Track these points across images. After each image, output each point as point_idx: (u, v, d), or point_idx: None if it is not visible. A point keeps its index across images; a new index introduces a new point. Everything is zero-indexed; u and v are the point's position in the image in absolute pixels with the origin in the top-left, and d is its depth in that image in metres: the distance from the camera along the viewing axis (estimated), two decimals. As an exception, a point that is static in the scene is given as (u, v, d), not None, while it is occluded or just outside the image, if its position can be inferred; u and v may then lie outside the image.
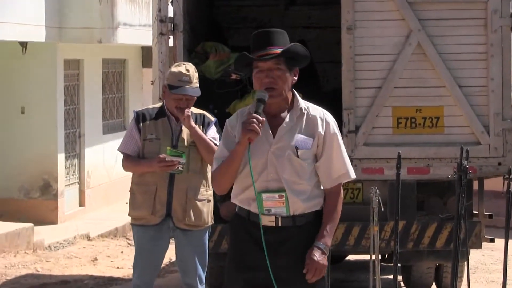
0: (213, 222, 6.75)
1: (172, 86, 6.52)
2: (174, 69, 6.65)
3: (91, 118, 17.72)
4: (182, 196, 6.52)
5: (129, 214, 6.73)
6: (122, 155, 6.72)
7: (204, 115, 6.73)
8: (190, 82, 6.53)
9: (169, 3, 8.44)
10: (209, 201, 6.67)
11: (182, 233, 6.57)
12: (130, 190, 6.72)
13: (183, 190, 6.53)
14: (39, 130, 15.93)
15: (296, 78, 4.55)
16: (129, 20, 16.86)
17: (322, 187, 4.57)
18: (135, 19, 17.06)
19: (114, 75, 19.04)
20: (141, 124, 6.62)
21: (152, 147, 6.55)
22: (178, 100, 6.54)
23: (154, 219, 6.55)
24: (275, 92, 4.44)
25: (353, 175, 4.60)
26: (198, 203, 6.56)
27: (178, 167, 6.38)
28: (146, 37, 14.09)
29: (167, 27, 8.29)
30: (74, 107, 17.16)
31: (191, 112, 6.59)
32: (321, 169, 4.53)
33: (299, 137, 4.49)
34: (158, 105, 6.78)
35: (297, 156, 4.46)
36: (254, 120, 4.32)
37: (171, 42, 8.40)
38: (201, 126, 6.64)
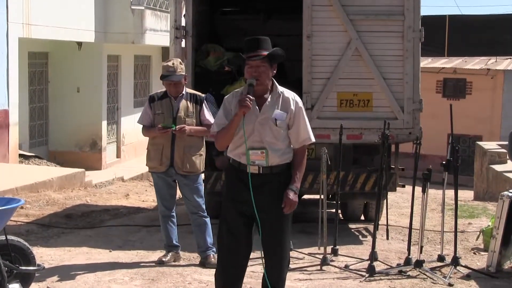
0: (203, 170, 6.65)
1: (163, 76, 6.44)
2: (164, 63, 6.54)
3: (126, 96, 17.66)
4: (181, 152, 6.45)
5: (146, 165, 6.69)
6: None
7: (196, 95, 6.60)
8: (174, 71, 6.41)
9: (182, 16, 8.34)
10: (200, 155, 6.57)
11: (182, 177, 6.51)
12: (147, 148, 6.65)
13: (181, 148, 6.46)
14: (89, 104, 15.88)
15: (275, 71, 4.49)
16: (153, 27, 16.76)
17: (291, 147, 4.51)
18: (158, 26, 16.95)
19: (142, 67, 18.95)
20: (152, 103, 6.55)
21: (159, 119, 6.48)
22: (168, 84, 6.46)
23: (162, 168, 6.50)
24: (259, 81, 4.39)
25: (313, 139, 4.56)
26: (192, 156, 6.48)
27: (170, 131, 6.37)
28: (165, 40, 13.99)
29: (180, 33, 8.20)
30: (114, 88, 17.08)
31: (186, 91, 6.52)
32: (292, 135, 4.48)
33: (277, 111, 4.42)
34: (164, 89, 6.62)
35: (276, 125, 4.41)
36: (247, 99, 4.28)
37: (183, 44, 8.31)
38: (194, 103, 6.54)
